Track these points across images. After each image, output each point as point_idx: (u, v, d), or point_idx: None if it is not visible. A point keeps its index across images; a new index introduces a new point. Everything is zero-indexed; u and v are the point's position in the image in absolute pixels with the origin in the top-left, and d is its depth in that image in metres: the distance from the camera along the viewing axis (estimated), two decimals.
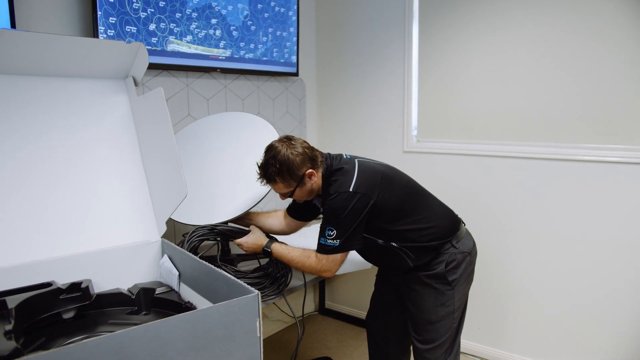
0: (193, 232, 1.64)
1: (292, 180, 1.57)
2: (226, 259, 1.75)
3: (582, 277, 2.18)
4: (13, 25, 1.54)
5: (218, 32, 2.26)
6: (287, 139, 1.60)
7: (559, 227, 2.22)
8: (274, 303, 1.72)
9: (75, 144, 1.43)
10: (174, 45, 2.08)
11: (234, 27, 2.33)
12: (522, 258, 2.34)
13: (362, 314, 2.87)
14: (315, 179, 1.59)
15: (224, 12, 2.26)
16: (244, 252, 1.71)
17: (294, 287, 1.75)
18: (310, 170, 1.57)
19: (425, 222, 1.64)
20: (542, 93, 2.20)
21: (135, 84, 1.55)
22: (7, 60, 1.31)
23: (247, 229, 1.73)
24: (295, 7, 2.63)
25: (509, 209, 2.35)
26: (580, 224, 2.17)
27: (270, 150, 1.58)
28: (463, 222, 1.77)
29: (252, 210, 1.79)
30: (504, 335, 2.45)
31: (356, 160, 1.64)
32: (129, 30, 1.90)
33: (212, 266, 1.18)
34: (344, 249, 1.56)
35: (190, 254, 1.32)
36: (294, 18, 2.64)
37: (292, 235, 1.99)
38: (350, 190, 1.52)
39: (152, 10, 1.97)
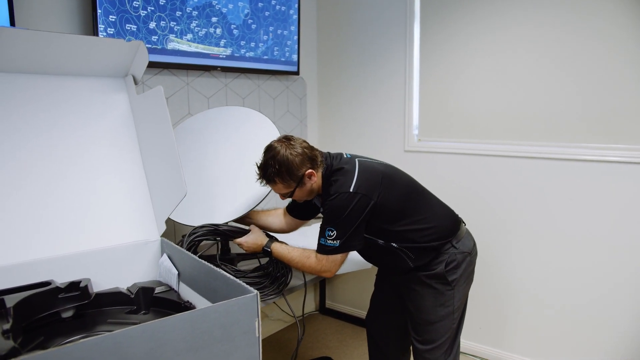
0: (193, 231, 1.64)
1: (292, 180, 1.56)
2: (226, 258, 1.74)
3: (583, 276, 2.18)
4: (13, 23, 1.53)
5: (219, 31, 2.25)
6: (286, 139, 1.58)
7: (560, 227, 2.21)
8: (274, 302, 1.71)
9: (75, 142, 1.43)
10: (174, 43, 2.08)
11: (234, 26, 2.32)
12: (523, 257, 2.34)
13: (363, 313, 2.87)
14: (315, 179, 1.58)
15: (224, 10, 2.26)
16: (244, 252, 1.71)
17: (294, 287, 1.75)
18: (309, 171, 1.56)
19: (425, 222, 1.63)
20: (543, 92, 2.19)
21: (135, 82, 1.55)
22: (6, 58, 1.30)
23: (247, 228, 1.72)
24: (296, 5, 2.62)
25: (509, 208, 2.35)
26: (582, 223, 2.16)
27: (269, 150, 1.57)
28: (463, 222, 1.76)
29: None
30: (504, 335, 2.45)
31: (356, 159, 1.62)
32: (129, 28, 1.89)
33: (211, 266, 1.18)
34: (344, 249, 1.55)
35: (190, 253, 1.32)
36: (295, 16, 2.63)
37: (292, 234, 1.99)
38: (351, 190, 1.51)
39: (152, 8, 1.96)
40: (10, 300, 1.09)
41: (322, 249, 1.56)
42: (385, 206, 1.56)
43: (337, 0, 2.84)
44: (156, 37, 2.00)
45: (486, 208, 2.40)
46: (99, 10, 1.78)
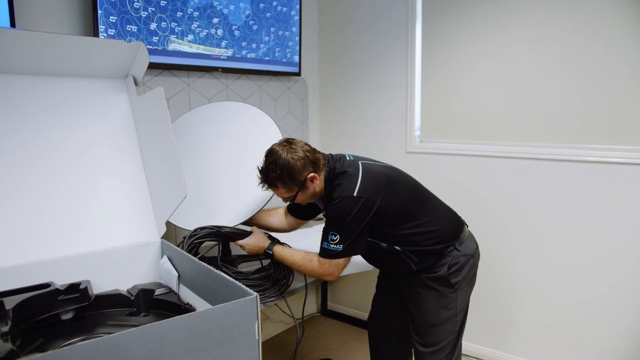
0: (193, 233, 1.63)
1: (294, 185, 1.54)
2: (227, 260, 1.74)
3: (586, 278, 2.16)
4: (13, 24, 1.53)
5: (220, 32, 2.25)
6: (288, 143, 1.56)
7: (563, 228, 2.20)
8: (275, 304, 1.71)
9: (75, 143, 1.43)
10: (175, 44, 2.07)
11: (235, 27, 2.32)
12: (525, 259, 2.32)
13: (364, 315, 2.86)
14: (318, 182, 1.57)
15: (225, 11, 2.25)
16: (246, 253, 1.70)
17: (295, 289, 1.74)
18: (312, 174, 1.54)
19: (429, 225, 1.61)
20: (546, 93, 2.18)
21: (136, 83, 1.55)
22: (6, 59, 1.30)
23: (248, 230, 1.71)
24: (298, 6, 2.62)
25: (511, 210, 2.33)
26: (584, 225, 2.14)
27: (271, 154, 1.55)
28: (466, 224, 1.75)
29: None
30: (507, 337, 2.43)
31: (360, 162, 1.60)
32: (129, 29, 1.89)
33: (211, 268, 1.17)
34: (347, 253, 1.54)
35: (190, 255, 1.31)
36: (296, 17, 2.63)
37: (293, 235, 1.98)
38: (355, 194, 1.50)
39: (153, 9, 1.96)
40: (10, 302, 1.08)
41: (325, 252, 1.55)
42: (389, 210, 1.55)
43: (338, 1, 2.84)
44: (157, 38, 2.00)
45: (488, 209, 2.39)
46: (99, 11, 1.78)
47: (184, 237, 1.64)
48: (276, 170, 1.51)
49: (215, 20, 2.21)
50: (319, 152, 1.61)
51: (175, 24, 2.05)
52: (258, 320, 1.02)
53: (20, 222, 1.30)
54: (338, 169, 1.58)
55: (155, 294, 1.30)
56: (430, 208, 1.67)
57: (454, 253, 1.63)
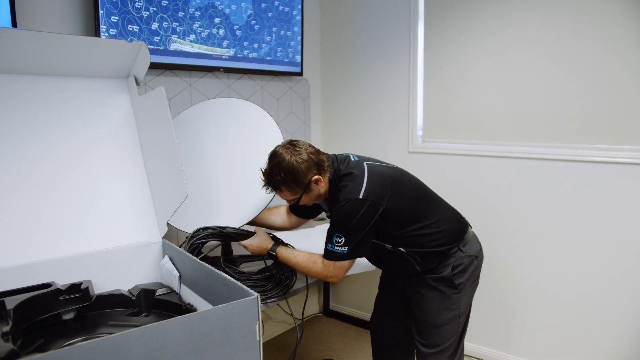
0: (195, 233, 1.63)
1: (298, 187, 1.53)
2: (229, 259, 1.73)
3: (590, 279, 2.15)
4: (14, 24, 1.53)
5: (221, 32, 2.24)
6: (291, 145, 1.54)
7: (567, 229, 2.19)
8: (277, 304, 1.70)
9: (76, 143, 1.43)
10: (177, 44, 2.07)
11: (237, 27, 2.31)
12: (528, 260, 2.31)
13: (367, 315, 2.85)
14: (322, 185, 1.55)
15: (227, 11, 2.25)
16: (249, 253, 1.70)
17: (296, 289, 1.73)
18: (316, 177, 1.53)
19: (434, 227, 1.60)
20: (549, 93, 2.17)
21: (137, 83, 1.54)
22: (7, 59, 1.30)
23: (251, 230, 1.71)
24: (300, 6, 2.61)
25: (514, 210, 2.32)
26: (589, 225, 2.13)
27: (274, 157, 1.53)
28: (470, 225, 1.74)
29: None
30: (509, 338, 2.42)
31: (365, 164, 1.59)
32: (131, 29, 1.89)
33: (212, 268, 1.17)
34: (352, 256, 1.53)
35: (191, 255, 1.31)
36: (298, 17, 2.62)
37: (295, 235, 1.98)
38: (360, 197, 1.48)
39: (155, 9, 1.96)
40: (11, 302, 1.08)
41: (330, 255, 1.54)
42: (394, 212, 1.54)
43: (340, 1, 2.83)
44: (158, 38, 2.00)
45: (491, 210, 2.38)
46: (100, 11, 1.78)
47: (187, 237, 1.64)
48: (280, 173, 1.50)
49: (217, 20, 2.21)
50: (323, 154, 1.59)
51: (177, 24, 2.05)
52: (259, 320, 1.01)
53: (21, 222, 1.30)
54: (343, 171, 1.56)
55: (157, 294, 1.30)
56: (435, 209, 1.66)
57: (458, 254, 1.62)
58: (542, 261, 2.27)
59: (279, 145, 1.57)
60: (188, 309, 1.24)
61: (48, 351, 1.00)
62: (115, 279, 1.37)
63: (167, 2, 1.99)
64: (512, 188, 2.32)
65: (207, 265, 1.19)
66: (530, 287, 2.32)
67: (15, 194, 1.30)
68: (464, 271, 1.63)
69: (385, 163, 1.68)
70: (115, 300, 1.29)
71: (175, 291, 1.33)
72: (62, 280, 1.25)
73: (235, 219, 1.76)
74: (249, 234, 1.68)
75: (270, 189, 1.57)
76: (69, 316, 1.20)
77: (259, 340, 1.02)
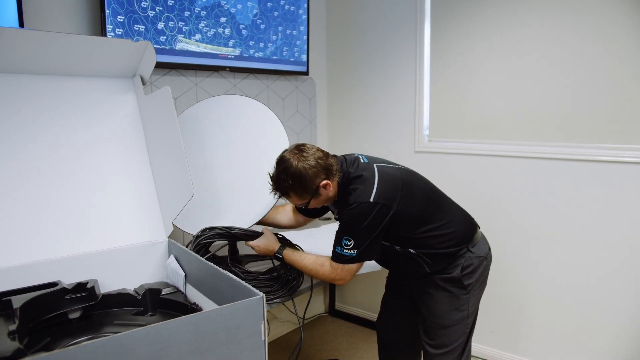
0: (201, 233, 1.62)
1: (307, 193, 1.52)
2: (235, 259, 1.73)
3: (599, 279, 2.12)
4: (21, 24, 1.54)
5: (227, 31, 2.24)
6: (299, 150, 1.52)
7: (575, 229, 2.16)
8: (283, 304, 1.70)
9: (82, 143, 1.43)
10: (183, 44, 2.07)
11: (243, 26, 2.31)
12: (536, 260, 2.29)
13: (373, 315, 2.84)
14: (331, 189, 1.54)
15: (233, 10, 2.25)
16: (255, 253, 1.69)
17: (302, 289, 1.73)
18: (325, 182, 1.51)
19: (445, 228, 1.59)
20: (557, 92, 2.15)
21: (143, 82, 1.55)
22: (13, 58, 1.31)
23: (258, 231, 1.70)
24: (306, 5, 2.61)
25: (521, 210, 2.30)
26: (597, 225, 2.11)
27: (281, 163, 1.51)
28: (478, 226, 1.72)
29: None
30: (516, 339, 2.40)
31: (375, 165, 1.56)
32: (137, 28, 1.89)
33: (218, 267, 1.17)
34: (360, 259, 1.52)
35: (196, 254, 1.31)
36: (304, 16, 2.62)
37: (301, 235, 1.97)
38: (371, 200, 1.47)
39: (161, 8, 1.96)
40: (17, 301, 1.09)
41: (338, 257, 1.53)
42: (405, 214, 1.52)
43: (346, 0, 2.82)
44: (164, 38, 2.00)
45: (498, 209, 2.36)
46: (107, 11, 1.78)
47: (194, 236, 1.64)
48: (288, 180, 1.49)
49: (223, 19, 2.21)
50: (332, 157, 1.57)
51: (183, 24, 2.05)
52: (264, 320, 1.01)
53: (27, 221, 1.30)
54: (353, 173, 1.54)
55: (162, 293, 1.30)
56: (446, 210, 1.64)
57: (468, 255, 1.61)
58: (550, 261, 2.25)
59: (286, 150, 1.55)
60: (193, 308, 1.24)
61: (54, 350, 1.00)
62: (121, 279, 1.37)
63: (173, 1, 1.99)
64: (519, 188, 2.30)
65: (212, 265, 1.19)
66: (537, 288, 2.30)
67: (20, 192, 1.31)
68: (473, 272, 1.61)
69: (395, 164, 1.67)
70: (121, 299, 1.29)
71: (180, 291, 1.33)
72: (68, 279, 1.25)
73: (242, 220, 1.76)
74: (256, 235, 1.67)
75: (278, 194, 1.56)
76: (75, 315, 1.20)
77: (264, 340, 1.01)
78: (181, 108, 2.14)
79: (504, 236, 2.34)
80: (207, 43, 2.17)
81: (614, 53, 2.00)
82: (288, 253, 1.61)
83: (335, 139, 3.00)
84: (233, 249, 1.76)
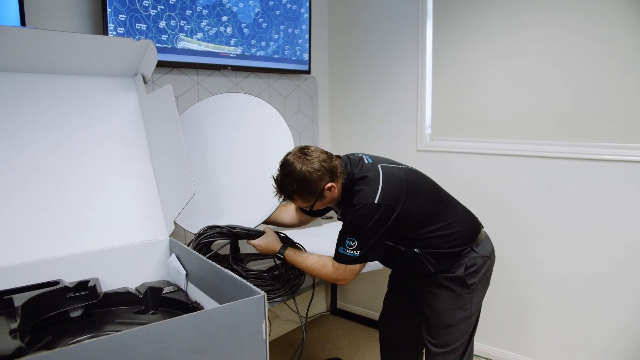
0: (203, 231, 1.62)
1: (311, 196, 1.51)
2: (236, 257, 1.73)
3: (604, 280, 2.12)
4: (23, 23, 1.54)
5: (229, 30, 2.24)
6: (302, 153, 1.51)
7: (578, 228, 2.16)
8: (285, 303, 1.69)
9: (84, 141, 1.43)
10: (185, 42, 2.07)
11: (245, 25, 2.31)
12: (539, 259, 2.28)
13: (375, 314, 2.84)
14: (336, 191, 1.53)
15: (234, 9, 2.25)
16: (257, 252, 1.69)
17: (303, 287, 1.72)
18: (329, 184, 1.50)
19: (449, 228, 1.59)
20: (559, 91, 2.14)
21: (145, 81, 1.54)
22: (16, 57, 1.31)
23: (260, 230, 1.70)
24: (307, 4, 2.60)
25: (524, 209, 2.29)
26: (601, 224, 2.10)
27: (285, 166, 1.50)
28: (482, 226, 1.72)
29: None
30: (519, 338, 2.40)
31: (379, 166, 1.56)
32: (138, 27, 1.89)
33: (219, 266, 1.16)
34: (363, 260, 1.51)
35: (198, 253, 1.30)
36: (306, 15, 2.61)
37: (303, 234, 1.97)
38: (376, 201, 1.46)
39: (162, 7, 1.96)
40: (19, 300, 1.09)
41: (341, 258, 1.52)
42: (409, 214, 1.52)
43: None
44: (166, 36, 2.00)
45: (501, 208, 2.35)
46: (108, 10, 1.78)
47: (195, 235, 1.63)
48: (292, 183, 1.48)
49: (225, 18, 2.21)
50: (336, 159, 1.56)
51: (185, 22, 2.05)
52: (265, 319, 1.01)
53: (28, 219, 1.30)
54: (357, 174, 1.54)
55: (164, 292, 1.30)
56: (450, 210, 1.64)
57: (472, 254, 1.60)
58: (553, 260, 2.24)
59: (289, 153, 1.54)
60: (195, 307, 1.24)
61: (55, 348, 1.00)
62: (122, 277, 1.37)
63: (174, 0, 1.99)
64: (522, 187, 2.29)
65: (214, 263, 1.19)
66: (540, 287, 2.29)
67: (22, 191, 1.31)
68: (477, 271, 1.61)
69: (399, 163, 1.66)
70: (122, 298, 1.29)
71: (182, 289, 1.33)
72: (69, 278, 1.25)
73: (246, 219, 1.75)
74: (258, 233, 1.67)
75: (283, 197, 1.56)
76: (76, 314, 1.20)
77: (266, 338, 1.01)
78: (183, 107, 2.14)
79: (507, 235, 2.33)
80: (208, 42, 2.17)
81: (614, 53, 1.99)
82: (289, 253, 1.61)
83: (337, 138, 3.00)
84: (235, 248, 1.76)
